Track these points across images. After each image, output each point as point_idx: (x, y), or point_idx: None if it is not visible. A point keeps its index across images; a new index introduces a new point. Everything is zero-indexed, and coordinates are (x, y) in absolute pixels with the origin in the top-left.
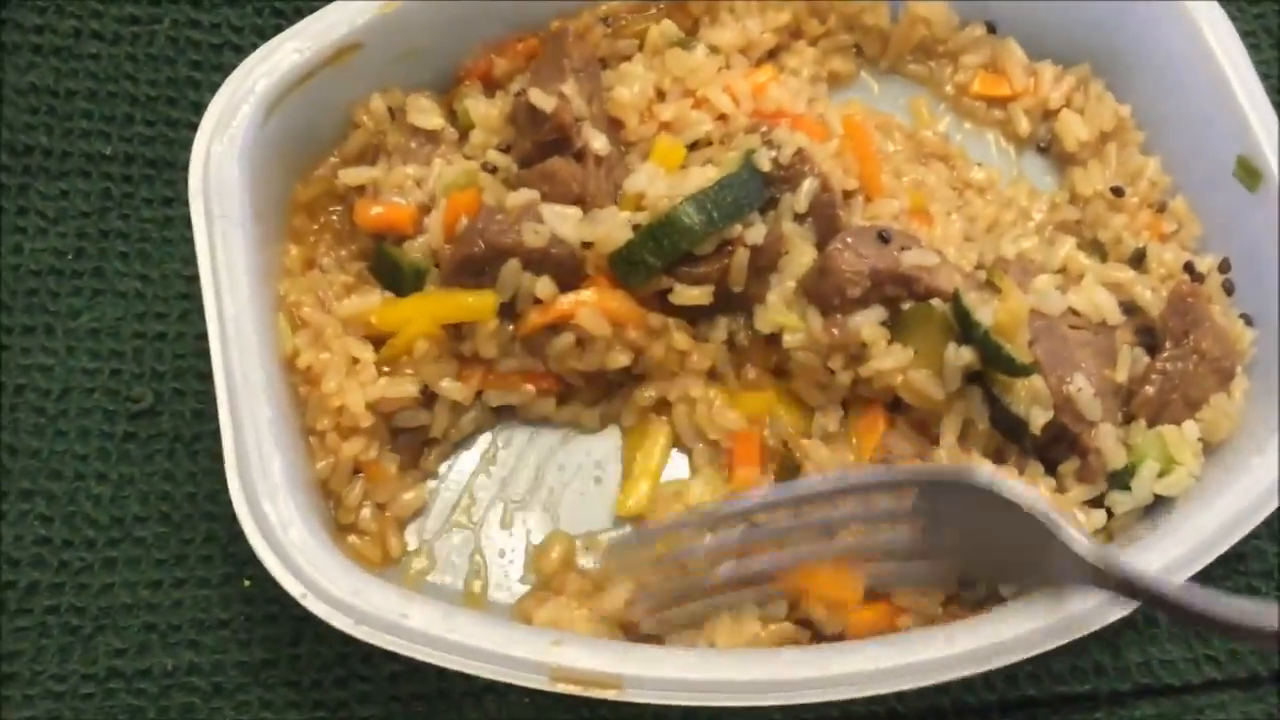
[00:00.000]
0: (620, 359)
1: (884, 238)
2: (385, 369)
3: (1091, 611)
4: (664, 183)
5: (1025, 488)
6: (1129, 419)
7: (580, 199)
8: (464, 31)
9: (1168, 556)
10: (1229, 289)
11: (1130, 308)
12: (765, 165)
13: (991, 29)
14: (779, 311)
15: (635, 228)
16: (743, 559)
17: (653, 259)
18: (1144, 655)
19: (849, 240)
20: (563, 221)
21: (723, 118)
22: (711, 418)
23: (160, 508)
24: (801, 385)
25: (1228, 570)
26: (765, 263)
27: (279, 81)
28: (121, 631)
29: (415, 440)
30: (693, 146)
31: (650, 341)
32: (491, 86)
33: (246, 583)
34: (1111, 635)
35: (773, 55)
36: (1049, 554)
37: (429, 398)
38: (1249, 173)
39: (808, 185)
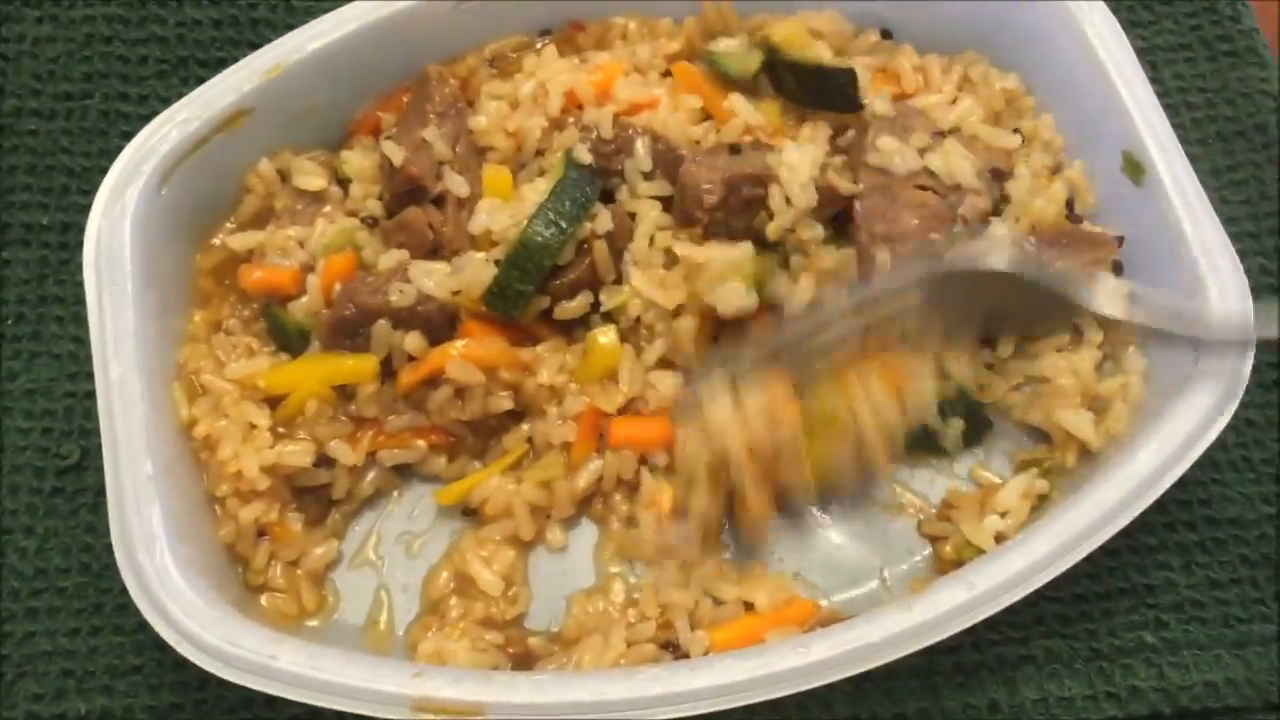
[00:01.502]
0: (502, 403)
1: (734, 149)
2: (281, 430)
3: (957, 610)
4: (505, 213)
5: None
6: None
7: (437, 245)
8: (352, 88)
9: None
10: (1117, 269)
11: (1000, 173)
12: (586, 157)
13: (887, 35)
14: (617, 294)
15: (496, 263)
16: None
17: (523, 285)
18: (1041, 692)
19: (698, 159)
20: (427, 277)
21: (564, 114)
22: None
23: (81, 558)
24: None
25: (1137, 601)
26: (621, 241)
27: (171, 151)
28: (40, 678)
29: (320, 497)
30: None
31: (525, 379)
32: (379, 140)
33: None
34: (1009, 670)
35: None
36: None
37: (329, 458)
38: (1134, 167)
39: (640, 145)
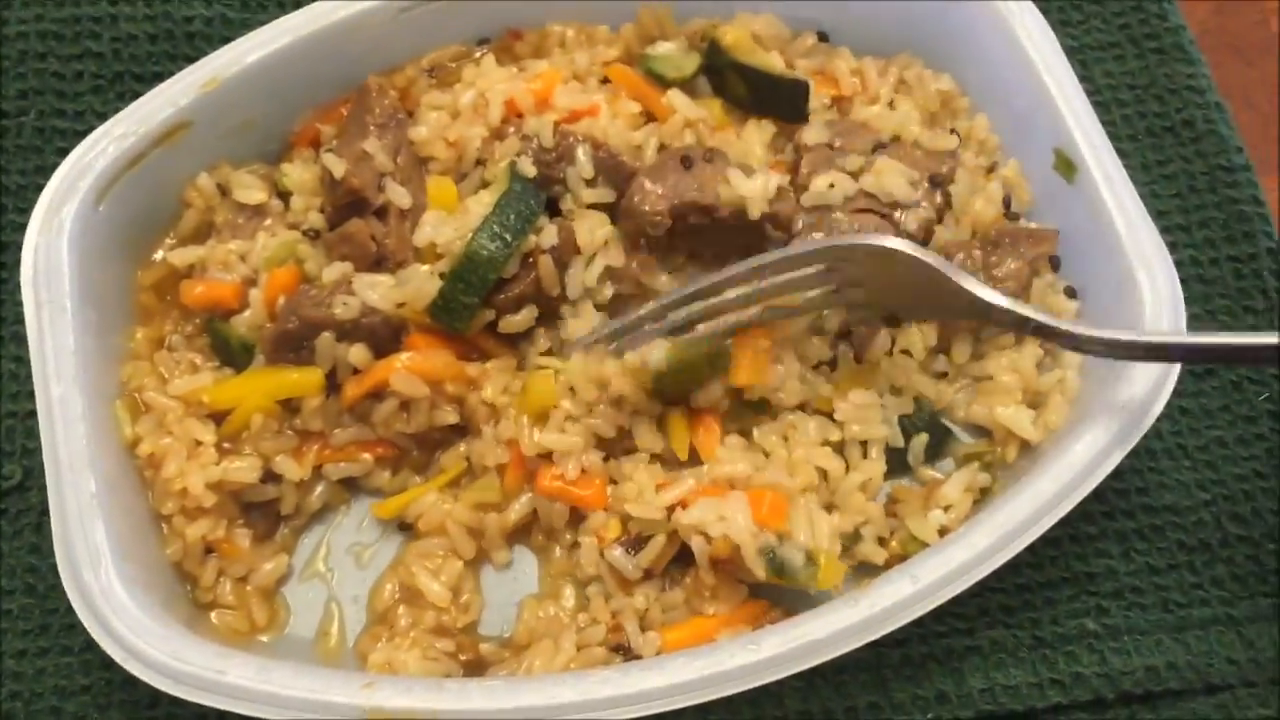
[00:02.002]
0: (447, 416)
1: (686, 162)
2: (227, 446)
3: (902, 603)
4: (449, 226)
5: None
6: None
7: (380, 257)
8: (291, 100)
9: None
10: (1055, 264)
11: (939, 180)
12: (529, 170)
13: (823, 37)
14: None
15: (441, 276)
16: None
17: (468, 298)
18: (988, 681)
19: (645, 182)
20: (372, 290)
21: (505, 123)
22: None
23: (26, 579)
24: None
25: (1078, 590)
26: (566, 256)
27: (107, 167)
28: None
29: (269, 512)
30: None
31: (469, 393)
32: (319, 151)
33: None
34: (955, 661)
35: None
36: (974, 305)
37: (276, 473)
38: (1066, 165)
39: (581, 152)
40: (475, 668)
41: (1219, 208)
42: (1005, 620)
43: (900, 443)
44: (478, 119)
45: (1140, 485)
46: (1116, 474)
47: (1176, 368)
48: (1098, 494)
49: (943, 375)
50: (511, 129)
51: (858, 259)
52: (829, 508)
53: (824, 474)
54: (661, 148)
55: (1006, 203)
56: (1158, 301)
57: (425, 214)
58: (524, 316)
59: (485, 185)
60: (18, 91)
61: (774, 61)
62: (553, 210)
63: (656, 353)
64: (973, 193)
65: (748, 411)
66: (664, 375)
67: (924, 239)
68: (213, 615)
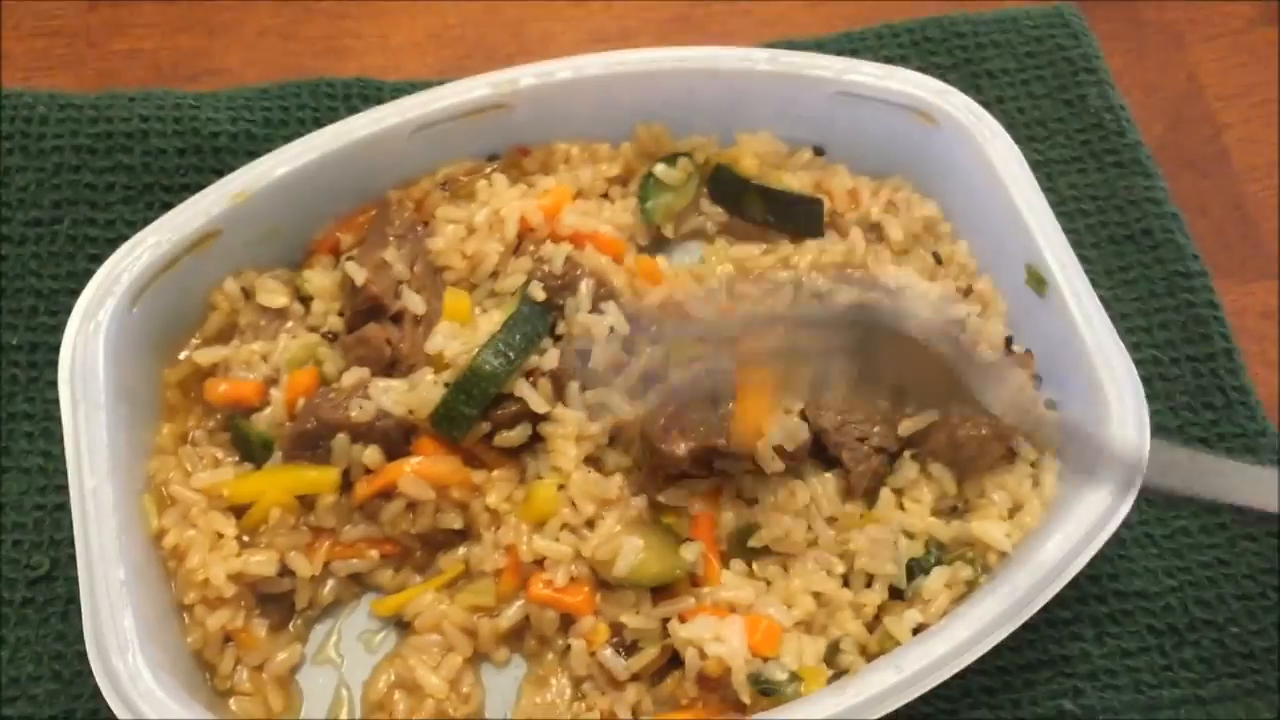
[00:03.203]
0: (452, 521)
1: (714, 400)
2: (245, 538)
3: (887, 691)
4: (458, 340)
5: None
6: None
7: (394, 360)
8: (313, 210)
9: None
10: (1037, 382)
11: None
12: (540, 295)
13: (819, 152)
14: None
15: (446, 385)
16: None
17: (468, 410)
18: None
19: (669, 425)
20: (386, 394)
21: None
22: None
23: (53, 666)
24: None
25: (1055, 671)
26: (564, 379)
27: (142, 272)
28: None
29: (284, 603)
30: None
31: (473, 499)
32: (339, 258)
33: None
34: None
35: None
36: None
37: (290, 568)
38: (1037, 280)
39: (584, 287)
40: None
41: (1177, 310)
42: (988, 701)
43: (903, 584)
44: (493, 235)
45: (1111, 571)
46: (1089, 561)
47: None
48: (1072, 581)
49: (953, 511)
50: (531, 247)
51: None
52: (819, 628)
53: (818, 596)
54: None
55: (1008, 341)
56: (1123, 413)
57: (439, 324)
58: (518, 433)
59: (495, 295)
60: (52, 202)
61: (789, 181)
62: (557, 338)
63: (627, 557)
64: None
65: (750, 552)
66: (626, 580)
67: None
68: (231, 703)
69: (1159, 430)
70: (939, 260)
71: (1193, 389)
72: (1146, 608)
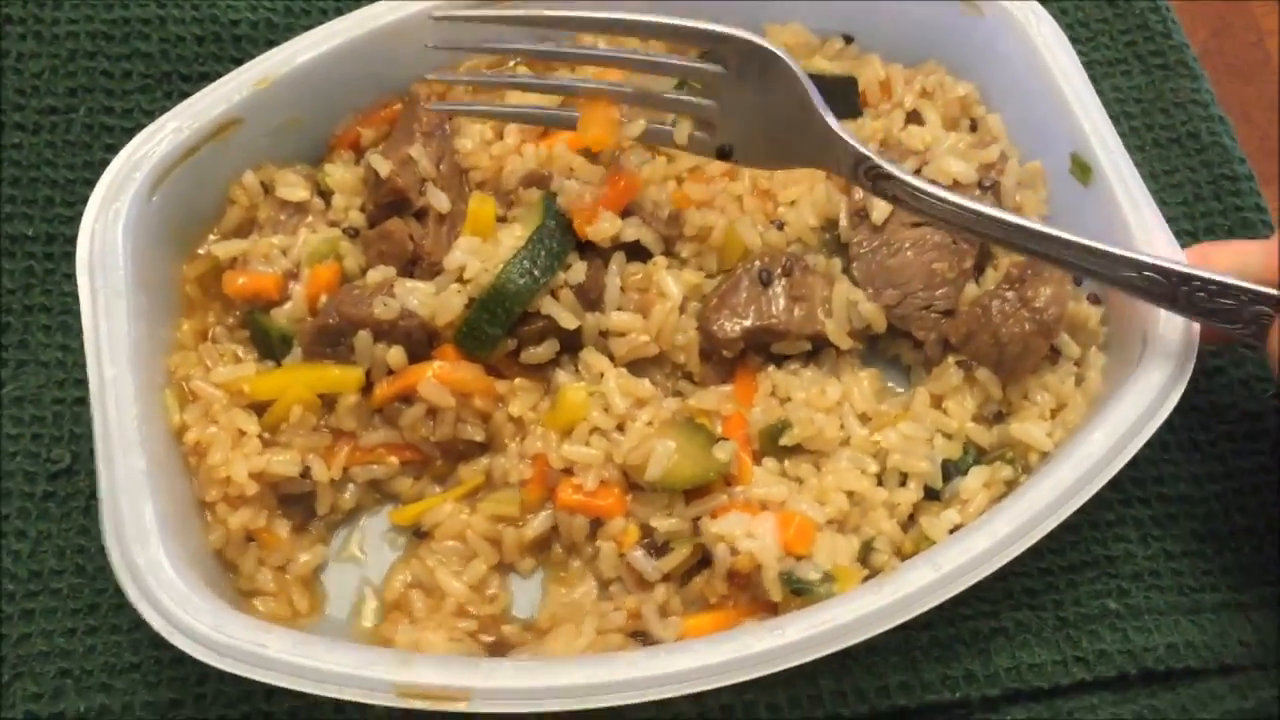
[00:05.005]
0: (473, 433)
1: (764, 279)
2: (266, 436)
3: (924, 590)
4: (479, 256)
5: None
6: (944, 340)
7: (416, 257)
8: (336, 102)
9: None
10: (1078, 279)
11: (987, 184)
12: (564, 204)
13: (849, 40)
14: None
15: (470, 302)
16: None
17: (492, 329)
18: (1014, 660)
19: (720, 306)
20: (411, 295)
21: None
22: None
23: (76, 560)
24: None
25: (1099, 572)
26: (593, 296)
27: (162, 159)
28: (37, 678)
29: (305, 506)
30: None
31: (496, 409)
32: (360, 153)
33: None
34: (982, 642)
35: None
36: (819, 140)
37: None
38: (1081, 168)
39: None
40: (498, 649)
41: (1224, 215)
42: (1029, 602)
43: (939, 485)
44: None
45: (1155, 475)
46: (1133, 464)
47: (1190, 364)
48: (1115, 483)
49: (996, 417)
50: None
51: (732, 57)
52: (852, 527)
53: (851, 495)
54: None
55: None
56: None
57: (459, 239)
58: (545, 349)
59: (520, 203)
60: (67, 89)
61: (819, 64)
62: (583, 247)
63: (659, 460)
64: (1017, 188)
65: (783, 451)
66: (659, 484)
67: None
68: (256, 602)
69: None
70: (974, 128)
71: None
72: (1190, 512)
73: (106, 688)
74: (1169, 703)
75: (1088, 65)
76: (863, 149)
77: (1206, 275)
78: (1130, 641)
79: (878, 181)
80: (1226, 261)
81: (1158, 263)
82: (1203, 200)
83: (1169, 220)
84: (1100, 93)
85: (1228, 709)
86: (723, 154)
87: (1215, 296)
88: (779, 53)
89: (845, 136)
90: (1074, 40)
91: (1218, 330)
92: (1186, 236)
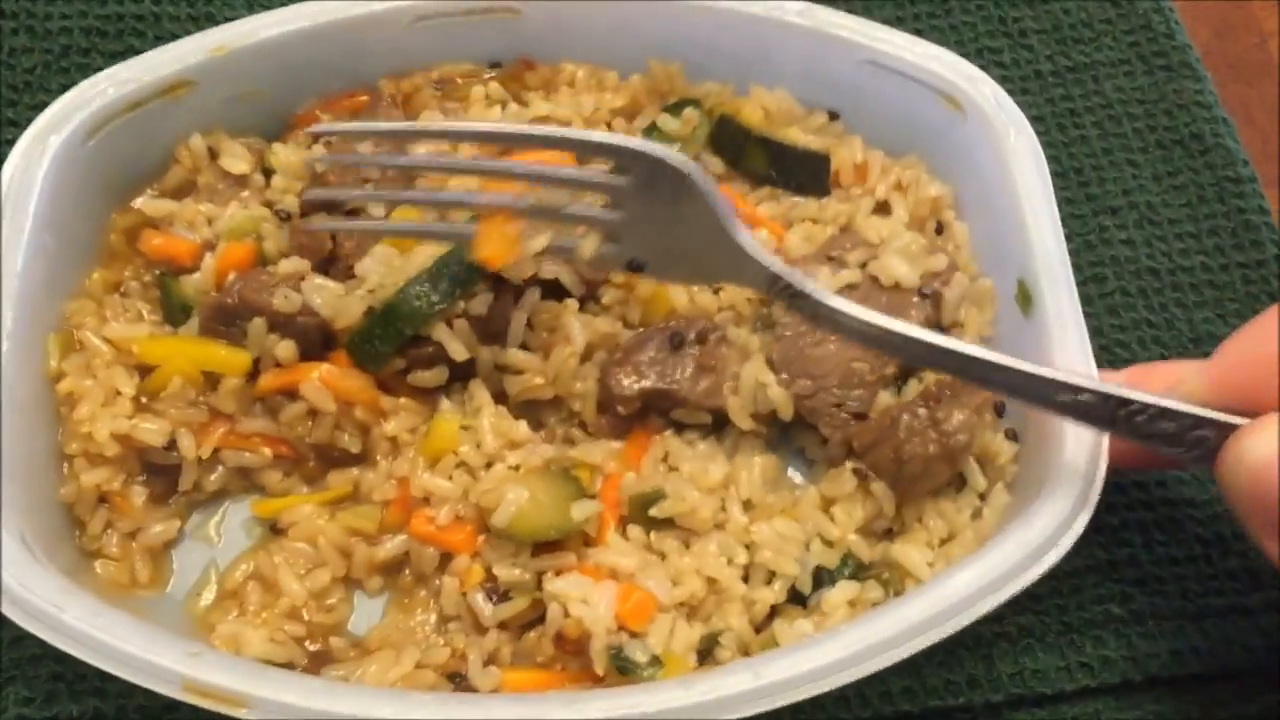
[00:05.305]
0: (351, 443)
1: (674, 342)
2: (144, 400)
3: (738, 697)
4: (387, 267)
5: (715, 186)
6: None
7: (334, 257)
8: (296, 82)
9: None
10: (1000, 410)
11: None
12: None
13: (834, 116)
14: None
15: (368, 312)
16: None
17: (382, 345)
18: (1017, 665)
19: (624, 361)
20: (317, 293)
21: None
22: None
23: None
24: None
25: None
26: (495, 329)
27: (105, 106)
28: (30, 681)
29: (168, 478)
30: None
31: (376, 423)
32: (316, 137)
33: None
34: (985, 647)
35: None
36: (732, 258)
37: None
38: (1024, 296)
39: None
40: (319, 659)
41: (1227, 216)
42: (1033, 607)
43: (807, 589)
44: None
45: (1159, 479)
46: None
47: (1084, 518)
48: (1121, 487)
49: (886, 533)
50: None
51: (641, 170)
52: (704, 616)
53: (712, 582)
54: None
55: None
56: (1078, 448)
57: (375, 247)
58: (434, 374)
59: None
60: (60, 85)
61: (795, 135)
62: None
63: (506, 507)
64: (962, 302)
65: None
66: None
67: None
68: (97, 564)
69: (1208, 337)
70: (940, 231)
71: (1242, 296)
72: (1194, 516)
73: (100, 691)
74: (1173, 708)
75: (1090, 66)
76: (775, 268)
77: (1145, 400)
78: (1134, 647)
79: (793, 299)
80: (1162, 383)
81: (1094, 386)
82: (1206, 203)
83: (1171, 223)
84: (1103, 93)
85: (1232, 715)
86: (634, 268)
87: (1155, 420)
88: (687, 171)
89: (757, 256)
90: (1076, 40)
91: (1161, 455)
92: (1189, 239)
